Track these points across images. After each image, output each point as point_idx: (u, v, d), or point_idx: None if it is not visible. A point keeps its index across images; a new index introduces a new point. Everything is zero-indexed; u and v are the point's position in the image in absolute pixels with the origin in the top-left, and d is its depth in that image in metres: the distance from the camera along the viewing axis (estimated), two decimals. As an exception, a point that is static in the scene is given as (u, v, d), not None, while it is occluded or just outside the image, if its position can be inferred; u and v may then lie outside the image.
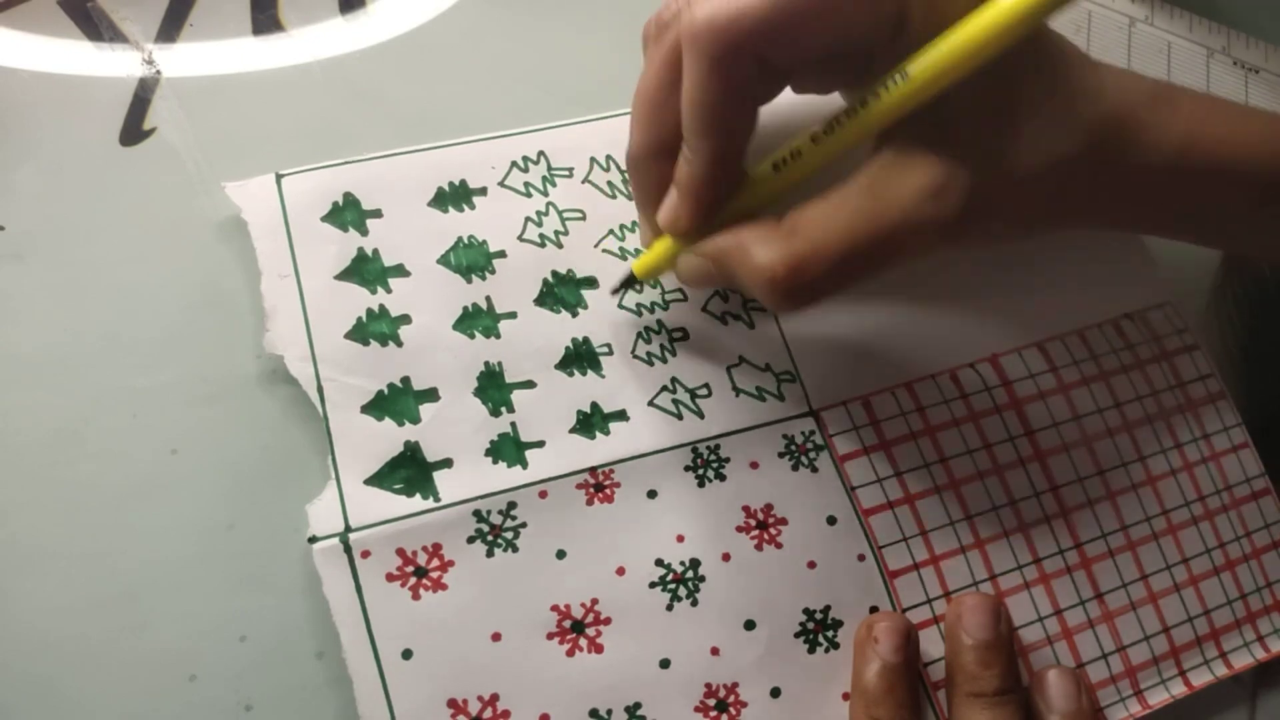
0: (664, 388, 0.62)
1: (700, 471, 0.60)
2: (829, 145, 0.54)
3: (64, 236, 0.61)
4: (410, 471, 0.57)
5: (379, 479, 0.57)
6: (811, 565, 0.60)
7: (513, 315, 0.62)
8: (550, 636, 0.56)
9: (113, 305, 0.60)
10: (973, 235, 0.55)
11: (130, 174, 0.64)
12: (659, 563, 0.58)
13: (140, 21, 0.67)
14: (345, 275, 0.60)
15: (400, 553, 0.56)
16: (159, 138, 0.65)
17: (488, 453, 0.59)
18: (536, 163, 0.66)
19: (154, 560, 0.56)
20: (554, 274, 0.63)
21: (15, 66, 0.65)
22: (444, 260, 0.62)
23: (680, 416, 0.61)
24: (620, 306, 0.64)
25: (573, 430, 0.60)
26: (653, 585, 0.58)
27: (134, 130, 0.65)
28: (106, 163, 0.64)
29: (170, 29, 0.68)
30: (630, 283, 0.62)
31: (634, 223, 0.65)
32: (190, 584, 0.56)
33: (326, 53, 0.69)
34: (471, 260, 0.62)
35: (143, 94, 0.66)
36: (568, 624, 0.56)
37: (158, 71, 0.66)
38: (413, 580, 0.55)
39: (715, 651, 0.57)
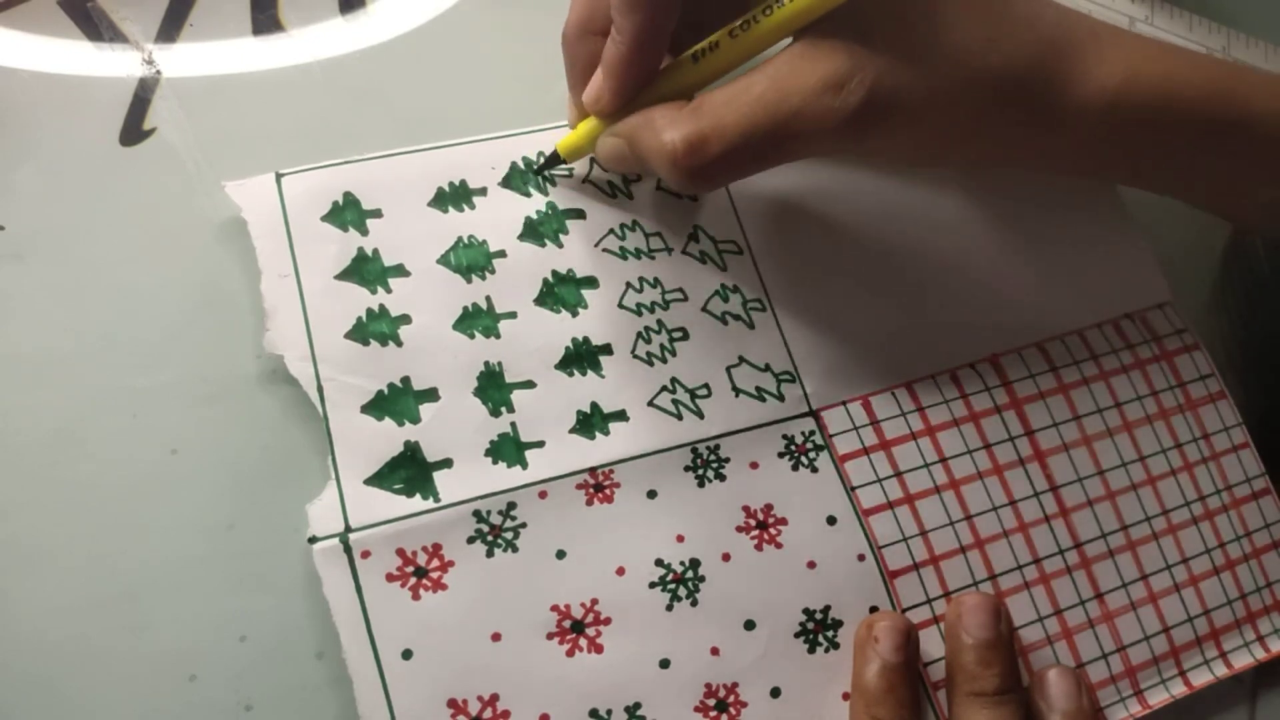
0: (664, 388, 0.62)
1: (700, 472, 0.61)
2: (746, 39, 0.56)
3: (64, 236, 0.62)
4: (410, 471, 0.58)
5: (379, 479, 0.57)
6: (811, 565, 0.60)
7: (513, 315, 0.62)
8: (550, 636, 0.56)
9: (113, 305, 0.60)
10: (873, 139, 0.56)
11: (130, 174, 0.64)
12: (659, 563, 0.59)
13: (140, 21, 0.68)
14: (345, 275, 0.61)
15: (400, 553, 0.56)
16: (159, 138, 0.65)
17: (488, 453, 0.59)
18: (537, 162, 0.66)
19: (154, 560, 0.56)
20: (554, 274, 0.63)
21: (15, 66, 0.66)
22: (444, 260, 0.62)
23: (680, 417, 0.62)
24: (544, 179, 0.66)
25: (572, 430, 0.60)
26: (653, 585, 0.58)
27: (134, 130, 0.65)
28: (106, 163, 0.64)
29: (170, 29, 0.68)
30: (554, 160, 0.64)
31: (634, 221, 0.66)
32: (190, 584, 0.56)
33: (326, 53, 0.69)
34: (471, 260, 0.63)
35: (143, 94, 0.66)
36: (568, 624, 0.57)
37: (158, 71, 0.66)
38: (413, 580, 0.56)
39: (715, 651, 0.58)
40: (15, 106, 0.64)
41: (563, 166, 0.65)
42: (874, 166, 0.70)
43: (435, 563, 0.56)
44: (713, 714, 0.57)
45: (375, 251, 0.62)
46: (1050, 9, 0.59)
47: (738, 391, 0.63)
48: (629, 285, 0.64)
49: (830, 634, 0.59)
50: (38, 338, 0.59)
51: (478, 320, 0.61)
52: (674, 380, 0.63)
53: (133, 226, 0.62)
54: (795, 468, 0.62)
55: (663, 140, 0.55)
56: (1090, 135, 0.61)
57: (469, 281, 0.62)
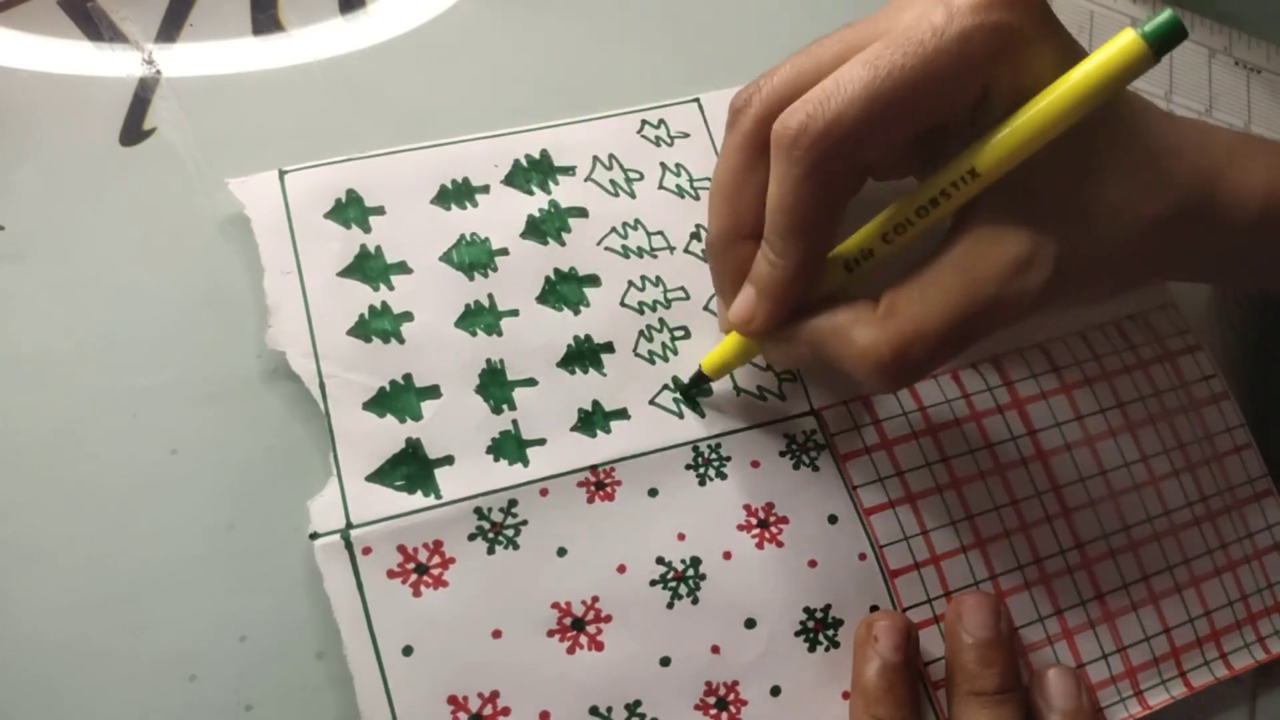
0: (665, 386, 0.63)
1: (701, 470, 0.61)
2: (900, 243, 0.55)
3: (64, 236, 0.62)
4: (412, 468, 0.58)
5: (380, 476, 0.58)
6: (812, 564, 0.60)
7: (514, 313, 0.62)
8: (551, 634, 0.57)
9: (113, 305, 0.61)
10: (1064, 300, 0.56)
11: (130, 174, 0.64)
12: (660, 561, 0.59)
13: (140, 21, 0.68)
14: (348, 272, 0.61)
15: (401, 549, 0.56)
16: (159, 138, 0.65)
17: (489, 450, 0.59)
18: (539, 160, 0.67)
19: (154, 560, 0.56)
20: (556, 272, 0.64)
21: (15, 66, 0.66)
22: (446, 257, 0.63)
23: (681, 415, 0.62)
24: (686, 404, 0.64)
25: (574, 428, 0.61)
26: (653, 583, 0.58)
27: (134, 130, 0.65)
28: (106, 163, 0.64)
29: (170, 29, 0.68)
30: (700, 380, 0.63)
31: (637, 219, 0.66)
32: (190, 584, 0.56)
33: (326, 53, 0.70)
34: (474, 258, 0.63)
35: (143, 94, 0.66)
36: (568, 621, 0.57)
37: (158, 71, 0.67)
38: (413, 577, 0.56)
39: (715, 649, 0.58)
40: (15, 106, 0.65)
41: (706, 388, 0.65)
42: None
43: (436, 559, 0.57)
44: (713, 712, 0.57)
45: (378, 248, 0.62)
46: (1187, 131, 0.59)
47: (739, 390, 0.63)
48: (631, 283, 0.65)
49: (830, 633, 0.59)
50: (38, 337, 0.60)
51: (480, 318, 0.62)
52: (675, 378, 0.63)
53: (133, 226, 0.63)
54: (796, 466, 0.62)
55: (862, 347, 0.54)
56: (1242, 250, 0.62)
57: (471, 279, 0.62)
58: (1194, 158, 0.58)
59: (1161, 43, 0.48)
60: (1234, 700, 0.66)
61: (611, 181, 0.67)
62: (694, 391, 0.64)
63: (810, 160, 0.52)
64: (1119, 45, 0.48)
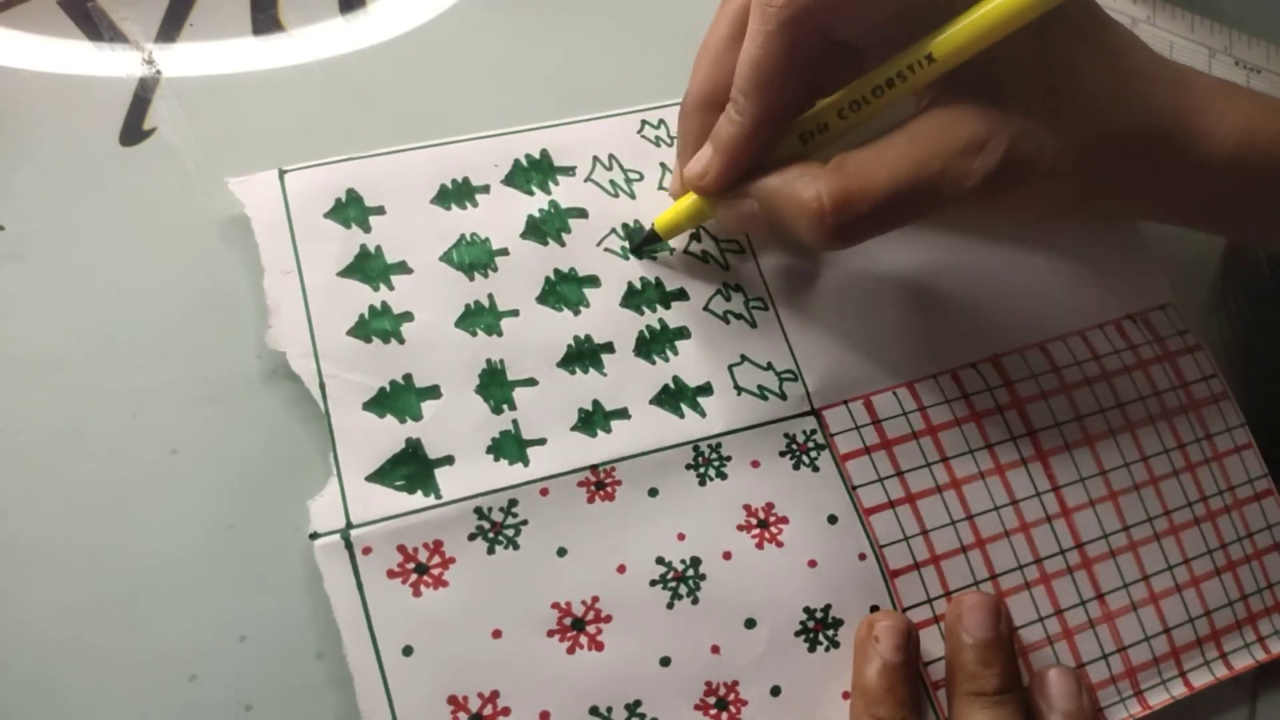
0: (665, 386, 0.63)
1: (701, 470, 0.61)
2: (854, 120, 0.57)
3: (64, 236, 0.62)
4: (412, 468, 0.58)
5: (380, 476, 0.58)
6: (812, 564, 0.61)
7: (514, 313, 0.63)
8: (551, 634, 0.57)
9: (113, 305, 0.61)
10: (1010, 197, 0.57)
11: (130, 174, 0.64)
12: (660, 561, 0.59)
13: (140, 21, 0.68)
14: (348, 272, 0.62)
15: (401, 549, 0.57)
16: (159, 138, 0.66)
17: (489, 450, 0.60)
18: (540, 160, 0.67)
19: (154, 560, 0.57)
20: (556, 272, 0.64)
21: (15, 66, 0.66)
22: (446, 257, 0.63)
23: (682, 415, 0.62)
24: (642, 257, 0.66)
25: (574, 428, 0.61)
26: (653, 583, 0.59)
27: (134, 130, 0.66)
28: (106, 163, 0.64)
29: (170, 29, 0.69)
30: (652, 239, 0.64)
31: (636, 220, 0.67)
32: (190, 584, 0.56)
33: (326, 53, 0.70)
34: (474, 258, 0.63)
35: (143, 94, 0.67)
36: (568, 621, 0.57)
37: (158, 71, 0.67)
38: (414, 577, 0.56)
39: (715, 650, 0.58)
40: (15, 106, 0.65)
41: (658, 245, 0.66)
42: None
43: (436, 559, 0.57)
44: (713, 712, 0.57)
45: (378, 248, 0.62)
46: (1168, 68, 0.60)
47: (740, 390, 0.64)
48: (631, 284, 0.65)
49: (831, 633, 0.60)
50: (38, 337, 0.60)
51: (480, 318, 0.62)
52: (676, 378, 0.63)
53: (133, 226, 0.63)
54: (796, 467, 0.63)
55: (805, 198, 0.55)
56: (1211, 191, 0.63)
57: (471, 279, 0.63)
58: (1172, 88, 0.60)
59: None
60: (1234, 700, 0.66)
61: (611, 182, 0.67)
62: (645, 249, 0.65)
63: (782, 18, 0.54)
64: None
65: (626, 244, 0.66)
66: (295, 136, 0.66)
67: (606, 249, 0.65)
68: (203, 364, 0.60)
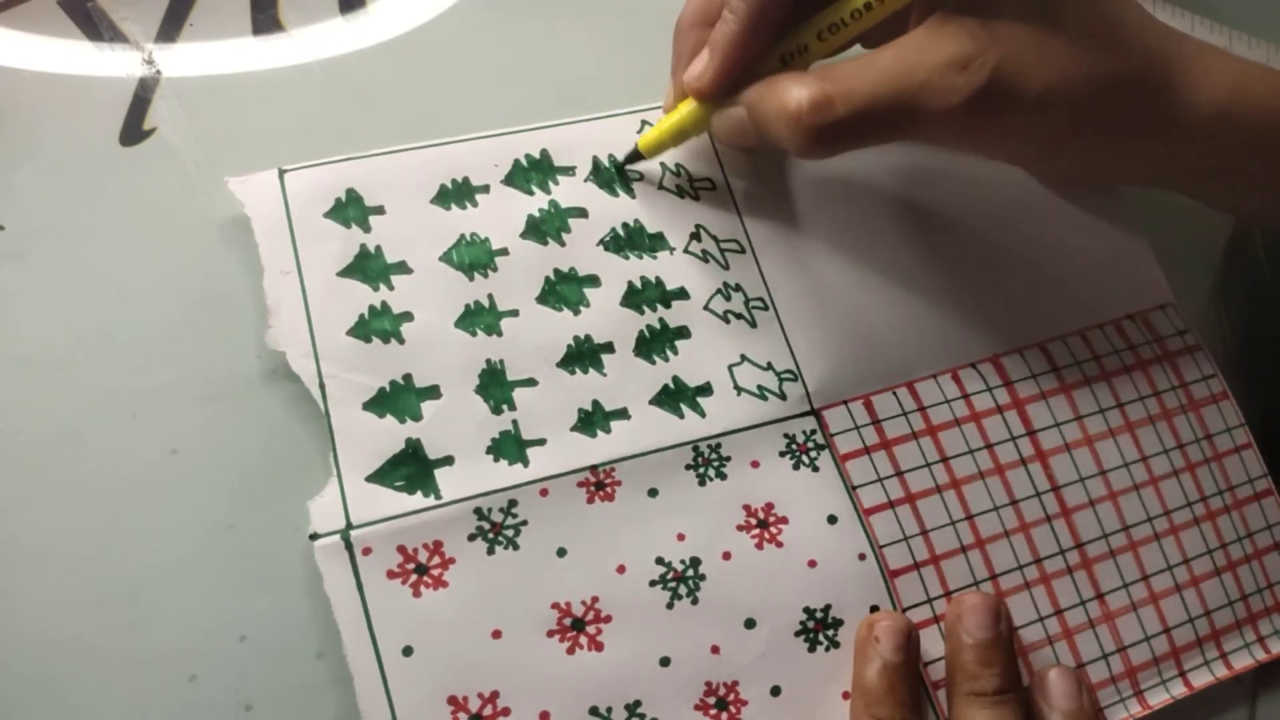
0: (665, 386, 0.63)
1: (701, 470, 0.61)
2: (833, 41, 0.58)
3: (64, 236, 0.62)
4: (411, 469, 0.58)
5: (380, 476, 0.58)
6: (812, 564, 0.61)
7: (514, 313, 0.62)
8: (550, 634, 0.57)
9: (113, 305, 0.61)
10: (989, 125, 0.58)
11: (130, 174, 0.64)
12: (659, 561, 0.59)
13: (140, 21, 0.68)
14: (348, 272, 0.61)
15: (401, 550, 0.57)
16: (159, 138, 0.66)
17: (489, 450, 0.60)
18: (539, 160, 0.67)
19: (154, 560, 0.57)
20: (556, 272, 0.64)
21: (15, 66, 0.66)
22: (446, 257, 0.63)
23: (681, 415, 0.62)
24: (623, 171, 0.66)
25: (574, 428, 0.61)
26: (653, 583, 0.59)
27: (134, 130, 0.66)
28: (107, 163, 0.64)
29: (170, 29, 0.69)
30: (634, 157, 0.66)
31: (636, 220, 0.66)
32: (190, 584, 0.56)
33: (326, 53, 0.70)
34: (474, 258, 0.63)
35: (143, 94, 0.66)
36: (568, 622, 0.57)
37: (158, 71, 0.67)
38: (413, 577, 0.56)
39: (715, 650, 0.58)
40: (15, 106, 0.65)
41: (637, 167, 0.67)
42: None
43: (436, 560, 0.57)
44: (713, 712, 0.57)
45: (378, 248, 0.62)
46: (1157, 23, 0.61)
47: (739, 390, 0.64)
48: (630, 284, 0.65)
49: (830, 633, 0.60)
50: (38, 337, 0.60)
51: (480, 318, 0.62)
52: (675, 378, 0.63)
53: (133, 226, 0.63)
54: (796, 467, 0.63)
55: (788, 100, 0.56)
56: (1196, 148, 0.63)
57: (471, 279, 0.63)
58: (1162, 40, 0.60)
59: None
60: (1234, 700, 0.66)
61: (611, 182, 0.67)
62: (627, 167, 0.67)
63: None
64: None
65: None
66: (295, 136, 0.66)
67: (607, 248, 0.65)
68: (203, 364, 0.60)
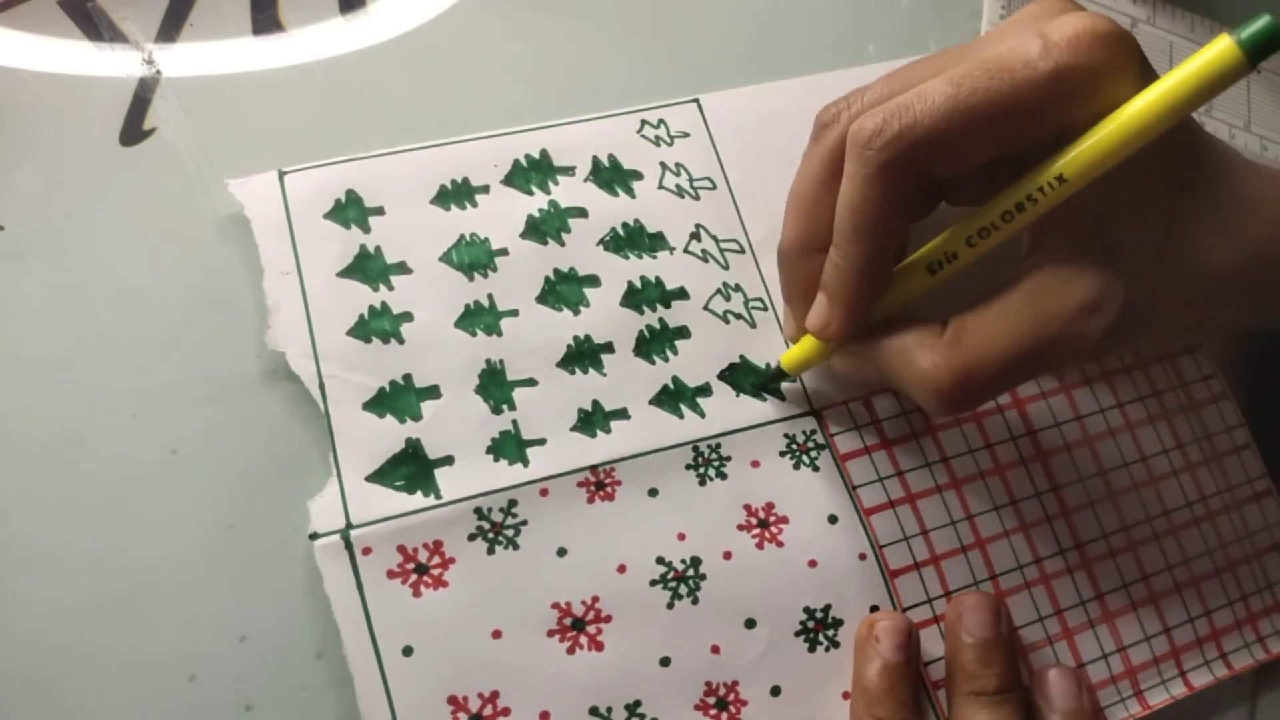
0: (665, 386, 0.62)
1: (701, 470, 0.61)
2: (983, 247, 0.55)
3: (64, 236, 0.62)
4: (411, 469, 0.58)
5: (380, 476, 0.57)
6: (812, 564, 0.60)
7: (514, 313, 0.62)
8: (551, 634, 0.56)
9: (113, 305, 0.61)
10: (1128, 343, 0.57)
11: (130, 174, 0.64)
12: (660, 561, 0.59)
13: (140, 21, 0.68)
14: (347, 272, 0.61)
15: (401, 550, 0.56)
16: (159, 138, 0.65)
17: (489, 450, 0.59)
18: (539, 160, 0.67)
19: (154, 560, 0.56)
20: (556, 272, 0.64)
21: (15, 66, 0.66)
22: (446, 258, 0.63)
23: (681, 415, 0.62)
24: (769, 395, 0.65)
25: (574, 428, 0.60)
26: (653, 583, 0.58)
27: (134, 130, 0.65)
28: (107, 163, 0.64)
29: (170, 29, 0.68)
30: (780, 376, 0.64)
31: (636, 220, 0.66)
32: (190, 584, 0.56)
33: (326, 53, 0.69)
34: (473, 258, 0.63)
35: (143, 94, 0.66)
36: (568, 621, 0.57)
37: (158, 71, 0.67)
38: (413, 577, 0.56)
39: (715, 650, 0.58)
40: (15, 106, 0.65)
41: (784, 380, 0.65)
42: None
43: (436, 560, 0.56)
44: (713, 712, 0.57)
45: (377, 249, 0.62)
46: (1269, 182, 0.59)
47: (739, 390, 0.63)
48: (630, 284, 0.64)
49: (831, 633, 0.59)
50: (38, 337, 0.59)
51: (479, 318, 0.62)
52: (675, 378, 0.63)
53: (133, 226, 0.63)
54: (796, 466, 0.62)
55: (924, 371, 0.54)
56: None
57: (471, 279, 0.62)
58: (1275, 208, 0.57)
59: (1258, 50, 0.46)
60: (1234, 700, 0.66)
61: (611, 182, 0.67)
62: (771, 386, 0.64)
63: (880, 160, 0.52)
64: (1214, 51, 0.47)
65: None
66: (295, 136, 0.66)
67: (607, 248, 0.65)
68: (203, 364, 0.60)
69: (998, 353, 0.53)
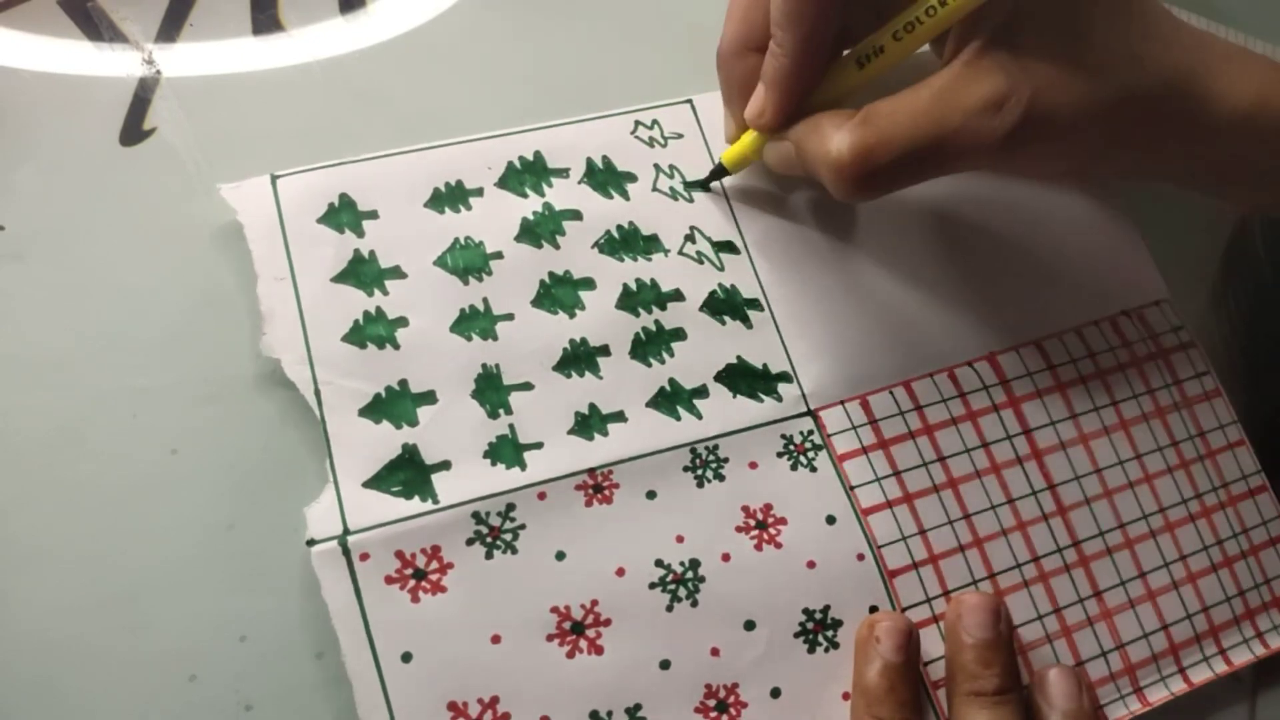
0: (662, 388, 0.59)
1: (699, 472, 0.58)
2: (909, 42, 0.55)
3: (64, 236, 0.59)
4: (409, 474, 0.55)
5: (377, 481, 0.55)
6: (811, 565, 0.57)
7: (510, 317, 0.59)
8: (550, 638, 0.54)
9: (113, 305, 0.58)
10: (1026, 154, 0.55)
11: (130, 174, 0.61)
12: (659, 563, 0.56)
13: (140, 21, 0.65)
14: (342, 277, 0.58)
15: (399, 555, 0.53)
16: (159, 138, 0.62)
17: (486, 454, 0.56)
18: (533, 163, 0.63)
19: (154, 560, 0.54)
20: (551, 275, 0.60)
21: (16, 66, 0.63)
22: (441, 262, 0.59)
23: (678, 417, 0.59)
24: (707, 189, 0.64)
25: (571, 431, 0.57)
26: (652, 586, 0.56)
27: (134, 130, 0.62)
28: (107, 163, 0.61)
29: (170, 29, 0.65)
30: (720, 173, 0.63)
31: (631, 222, 0.63)
32: (190, 584, 0.54)
33: (326, 53, 0.66)
34: (468, 261, 0.60)
35: (143, 94, 0.63)
36: (567, 625, 0.54)
37: (158, 71, 0.64)
38: (411, 583, 0.53)
39: (715, 652, 0.55)
40: (16, 106, 0.62)
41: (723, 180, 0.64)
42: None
43: (434, 565, 0.54)
44: (713, 714, 0.54)
45: (372, 253, 0.59)
46: (1186, 30, 0.58)
47: (735, 392, 0.60)
48: (626, 286, 0.61)
49: (830, 634, 0.57)
50: (38, 337, 0.57)
51: (475, 322, 0.58)
52: (672, 380, 0.60)
53: (133, 226, 0.60)
54: (794, 467, 0.59)
55: (829, 149, 0.54)
56: (1223, 153, 0.60)
57: (466, 283, 0.59)
58: (1188, 48, 0.58)
59: None
60: (1234, 699, 0.63)
61: (605, 183, 0.63)
62: (709, 181, 0.64)
63: None
64: None
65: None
66: (295, 136, 0.63)
67: (602, 251, 0.62)
68: (203, 364, 0.57)
69: (899, 135, 0.54)
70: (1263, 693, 0.63)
